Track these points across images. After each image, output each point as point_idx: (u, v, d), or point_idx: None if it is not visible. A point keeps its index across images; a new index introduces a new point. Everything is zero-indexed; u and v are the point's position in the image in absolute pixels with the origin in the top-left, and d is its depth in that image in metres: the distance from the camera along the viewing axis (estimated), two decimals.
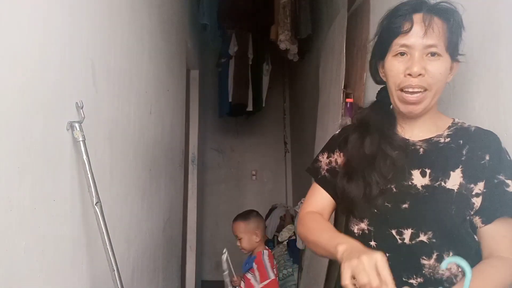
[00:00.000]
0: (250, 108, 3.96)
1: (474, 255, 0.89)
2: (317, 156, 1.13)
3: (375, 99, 1.10)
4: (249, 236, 2.26)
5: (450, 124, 0.98)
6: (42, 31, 0.89)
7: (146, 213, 1.83)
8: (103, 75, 1.25)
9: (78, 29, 1.07)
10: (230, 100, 3.90)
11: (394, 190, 0.94)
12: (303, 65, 3.67)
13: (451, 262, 0.67)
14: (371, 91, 1.77)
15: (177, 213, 2.75)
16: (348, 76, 2.07)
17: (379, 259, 0.73)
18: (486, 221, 0.88)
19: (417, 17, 0.91)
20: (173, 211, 2.53)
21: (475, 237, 0.91)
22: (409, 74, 0.90)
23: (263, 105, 4.22)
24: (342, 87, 2.09)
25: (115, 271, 1.06)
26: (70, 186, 1.02)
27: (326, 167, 1.09)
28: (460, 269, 0.88)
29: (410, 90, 0.91)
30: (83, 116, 1.04)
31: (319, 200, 1.07)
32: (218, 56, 4.06)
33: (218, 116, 4.27)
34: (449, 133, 0.97)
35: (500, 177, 0.88)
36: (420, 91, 0.91)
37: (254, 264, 2.19)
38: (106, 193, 1.23)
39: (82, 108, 1.03)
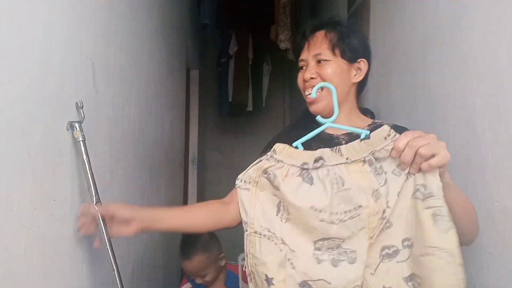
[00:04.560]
0: (250, 108, 3.96)
1: None
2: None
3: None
4: (214, 266, 1.80)
5: (370, 123, 1.13)
6: (42, 31, 0.89)
7: None
8: (103, 75, 1.25)
9: (78, 29, 1.08)
10: (230, 100, 3.90)
11: None
12: None
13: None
14: (370, 91, 1.77)
15: None
16: None
17: None
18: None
19: (307, 35, 1.13)
20: None
21: None
22: (304, 80, 1.11)
23: (263, 105, 4.22)
24: None
25: (115, 271, 1.06)
26: (70, 186, 1.02)
27: None
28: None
29: (307, 93, 1.10)
30: (83, 116, 1.04)
31: (234, 192, 1.17)
32: (218, 56, 4.06)
33: (218, 116, 4.27)
34: (369, 129, 1.06)
35: None
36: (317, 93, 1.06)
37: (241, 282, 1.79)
38: (106, 193, 1.23)
39: (82, 108, 1.03)
